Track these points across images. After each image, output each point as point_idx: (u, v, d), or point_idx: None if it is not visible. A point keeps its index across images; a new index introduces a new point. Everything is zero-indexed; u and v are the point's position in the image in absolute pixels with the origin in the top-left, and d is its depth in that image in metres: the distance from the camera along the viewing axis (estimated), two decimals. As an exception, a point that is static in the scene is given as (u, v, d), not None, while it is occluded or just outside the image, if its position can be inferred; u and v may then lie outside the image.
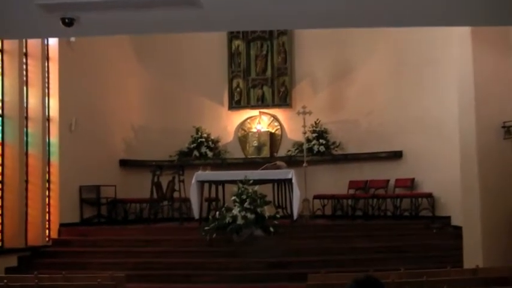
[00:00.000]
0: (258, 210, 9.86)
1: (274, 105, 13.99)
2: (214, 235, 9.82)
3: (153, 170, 11.71)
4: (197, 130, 13.88)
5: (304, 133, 12.53)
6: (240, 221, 9.74)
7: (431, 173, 11.49)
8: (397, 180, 12.24)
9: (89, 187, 12.09)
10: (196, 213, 11.18)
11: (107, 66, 12.94)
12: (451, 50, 9.34)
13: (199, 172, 11.43)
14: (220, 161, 13.75)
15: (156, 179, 11.70)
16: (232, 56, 14.15)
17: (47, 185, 11.06)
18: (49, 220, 11.07)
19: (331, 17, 6.52)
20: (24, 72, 10.56)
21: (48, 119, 11.24)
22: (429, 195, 11.49)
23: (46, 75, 11.10)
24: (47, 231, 10.91)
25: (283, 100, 13.95)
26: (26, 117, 10.57)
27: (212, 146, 13.85)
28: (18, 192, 10.13)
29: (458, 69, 8.58)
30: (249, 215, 9.77)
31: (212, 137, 13.93)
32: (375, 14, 6.43)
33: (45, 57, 11.07)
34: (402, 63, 12.46)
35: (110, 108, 13.02)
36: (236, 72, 14.10)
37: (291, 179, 10.93)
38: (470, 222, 8.15)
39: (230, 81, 14.10)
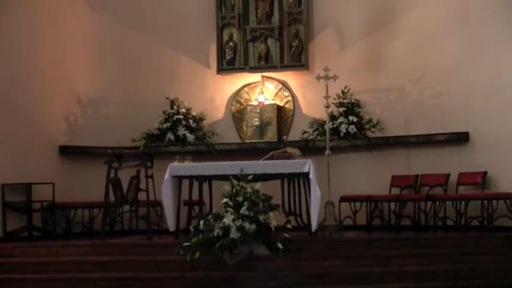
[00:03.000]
0: (261, 218, 9.83)
1: (283, 66, 13.99)
2: (197, 254, 9.78)
3: (109, 161, 11.66)
4: (172, 103, 13.91)
5: (327, 107, 12.38)
6: (234, 234, 9.68)
7: (512, 165, 11.58)
8: (461, 175, 12.27)
9: (15, 186, 12.09)
10: (171, 223, 11.19)
11: (39, 8, 12.86)
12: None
13: (176, 164, 11.39)
14: (206, 148, 13.76)
15: (113, 174, 11.66)
16: (223, -5, 14.21)
17: (-46, 184, 11.11)
18: (-43, 234, 11.13)
19: None
20: None
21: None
22: (509, 197, 11.48)
23: None
24: (-46, 249, 10.90)
25: (297, 59, 13.93)
26: None
27: (194, 126, 13.89)
28: None
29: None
30: (247, 225, 9.72)
31: (194, 113, 13.99)
32: None
33: None
34: (469, 6, 12.49)
35: (45, 70, 12.97)
36: (228, 18, 14.08)
37: (308, 173, 10.91)
38: None
39: (219, 31, 14.09)
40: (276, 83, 14.10)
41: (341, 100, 13.47)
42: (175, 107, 13.84)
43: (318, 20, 13.96)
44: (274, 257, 9.79)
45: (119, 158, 11.77)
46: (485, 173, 11.99)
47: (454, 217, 11.92)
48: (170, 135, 13.71)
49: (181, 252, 9.82)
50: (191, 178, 11.34)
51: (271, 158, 11.34)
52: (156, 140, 13.77)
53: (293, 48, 13.90)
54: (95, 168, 12.33)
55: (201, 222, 10.08)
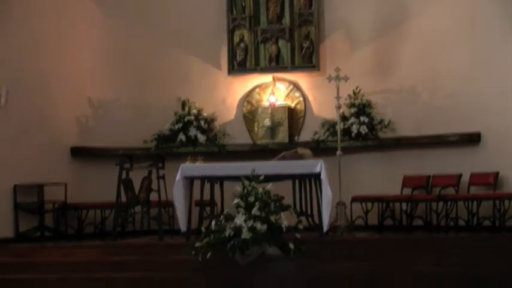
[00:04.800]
0: (272, 218, 9.73)
1: (294, 67, 14.01)
2: (208, 255, 9.68)
3: (121, 162, 11.67)
4: (183, 104, 13.94)
5: (338, 107, 12.47)
6: (246, 235, 9.59)
7: (524, 165, 11.61)
8: (473, 176, 12.26)
9: (27, 187, 12.20)
10: (182, 224, 11.21)
11: (52, 13, 12.95)
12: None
13: (187, 164, 11.40)
14: (217, 149, 13.80)
15: (124, 175, 11.68)
16: (234, -4, 14.23)
17: (-34, 185, 11.18)
18: (-30, 235, 11.20)
19: None
20: None
21: (-34, 90, 11.34)
22: (521, 197, 11.53)
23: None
24: (-33, 250, 10.91)
25: (308, 60, 13.96)
26: None
27: (205, 127, 13.92)
28: None
29: None
30: (258, 225, 9.64)
31: (205, 114, 14.01)
32: None
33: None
34: (481, 8, 12.51)
35: (57, 73, 13.07)
36: (239, 20, 14.12)
37: (319, 174, 10.90)
38: None
39: (230, 33, 14.12)
40: (287, 84, 14.11)
41: (352, 101, 13.45)
42: (186, 108, 13.87)
43: (329, 22, 13.97)
44: (286, 257, 9.69)
45: (130, 159, 11.83)
46: (497, 173, 11.98)
47: (466, 217, 11.89)
48: (181, 136, 13.73)
49: (193, 253, 9.70)
50: (202, 179, 11.34)
51: (283, 158, 11.34)
52: (167, 141, 13.81)
53: (304, 49, 13.90)
54: (107, 169, 12.36)
55: (213, 222, 9.97)
